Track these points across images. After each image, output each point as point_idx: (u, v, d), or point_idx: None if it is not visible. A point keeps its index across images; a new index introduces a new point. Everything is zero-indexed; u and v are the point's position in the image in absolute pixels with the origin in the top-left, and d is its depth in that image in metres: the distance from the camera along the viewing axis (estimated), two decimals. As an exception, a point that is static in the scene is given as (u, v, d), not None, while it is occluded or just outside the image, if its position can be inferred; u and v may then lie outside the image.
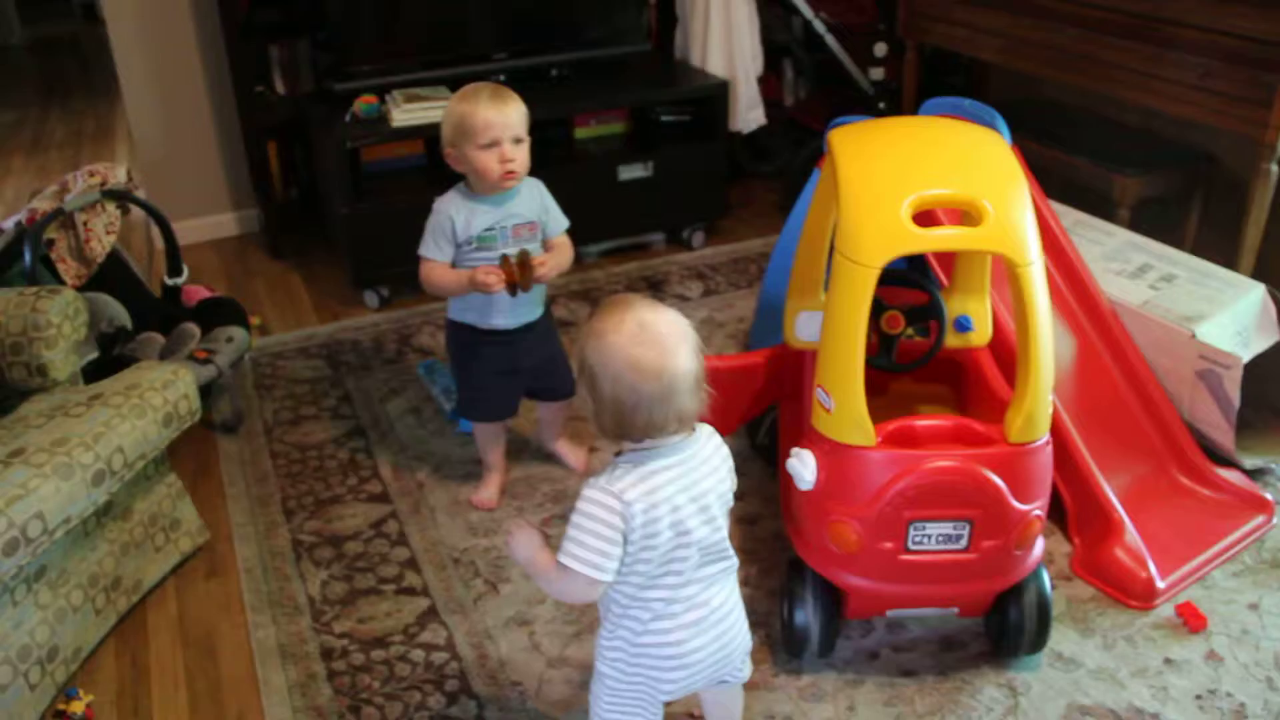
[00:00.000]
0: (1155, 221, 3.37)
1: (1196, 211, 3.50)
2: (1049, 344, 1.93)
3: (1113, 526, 2.43)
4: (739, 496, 2.68)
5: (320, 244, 4.14)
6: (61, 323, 2.32)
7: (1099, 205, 3.28)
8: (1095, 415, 2.65)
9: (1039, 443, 1.99)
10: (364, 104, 3.54)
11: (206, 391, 2.91)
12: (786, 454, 2.51)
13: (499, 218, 2.44)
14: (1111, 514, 2.44)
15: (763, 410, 2.62)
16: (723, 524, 1.68)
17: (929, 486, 1.92)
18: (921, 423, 2.02)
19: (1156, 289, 2.77)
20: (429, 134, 3.61)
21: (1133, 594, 2.36)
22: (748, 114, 4.17)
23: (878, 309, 2.27)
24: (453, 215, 2.42)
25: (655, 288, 3.77)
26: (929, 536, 1.97)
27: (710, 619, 1.68)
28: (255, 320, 3.27)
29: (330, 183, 3.63)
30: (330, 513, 2.68)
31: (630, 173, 3.79)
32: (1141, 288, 2.78)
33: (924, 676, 2.18)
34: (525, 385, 2.64)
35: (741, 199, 4.38)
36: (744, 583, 2.40)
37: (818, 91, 4.63)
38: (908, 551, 1.98)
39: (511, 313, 2.52)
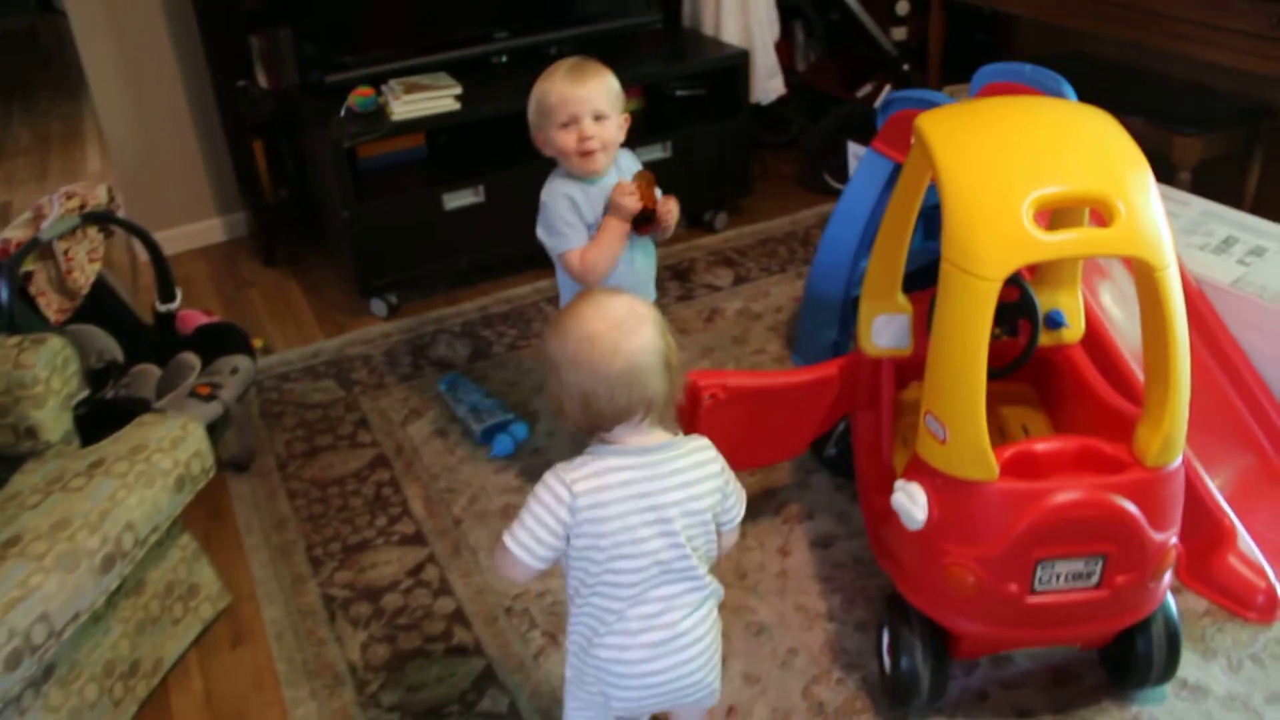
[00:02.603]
0: (1211, 183, 3.14)
1: (1257, 170, 3.27)
2: (1187, 356, 1.70)
3: (1223, 533, 2.22)
4: (808, 515, 2.49)
5: (316, 246, 3.87)
6: (50, 376, 2.06)
7: (1157, 169, 3.03)
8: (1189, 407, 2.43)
9: (1175, 464, 1.76)
10: (359, 97, 3.25)
11: (212, 429, 2.65)
12: (863, 468, 2.30)
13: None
14: (1221, 519, 2.22)
15: (835, 423, 2.39)
16: (686, 544, 1.54)
17: (1061, 523, 1.70)
18: (1042, 446, 1.79)
19: (1246, 264, 2.53)
20: (432, 126, 3.34)
21: (1252, 607, 2.15)
22: (767, 83, 3.90)
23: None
24: (571, 194, 2.19)
25: (681, 277, 3.52)
26: (1058, 576, 1.75)
27: (674, 644, 1.56)
28: (259, 343, 3.01)
29: (327, 184, 3.35)
30: (361, 560, 2.43)
31: (648, 154, 3.51)
32: (1229, 263, 2.55)
33: (1041, 716, 1.97)
34: None
35: (756, 172, 4.11)
36: (828, 617, 2.19)
37: (831, 54, 4.36)
38: (1034, 593, 1.76)
39: (638, 292, 2.27)
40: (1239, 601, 2.16)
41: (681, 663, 1.58)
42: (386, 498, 2.62)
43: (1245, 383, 2.48)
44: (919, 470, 1.80)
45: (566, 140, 2.15)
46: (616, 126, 2.20)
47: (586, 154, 2.16)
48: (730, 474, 1.63)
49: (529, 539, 1.51)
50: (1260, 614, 2.14)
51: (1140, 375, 2.30)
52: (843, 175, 3.87)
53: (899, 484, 1.81)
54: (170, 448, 2.00)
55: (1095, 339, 2.26)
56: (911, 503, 1.78)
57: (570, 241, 2.19)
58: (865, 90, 4.11)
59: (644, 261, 2.30)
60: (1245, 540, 2.20)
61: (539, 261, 3.59)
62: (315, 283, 3.69)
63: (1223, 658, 2.06)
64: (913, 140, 1.93)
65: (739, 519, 1.66)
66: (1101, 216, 1.68)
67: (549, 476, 1.52)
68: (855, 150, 3.43)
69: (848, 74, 4.20)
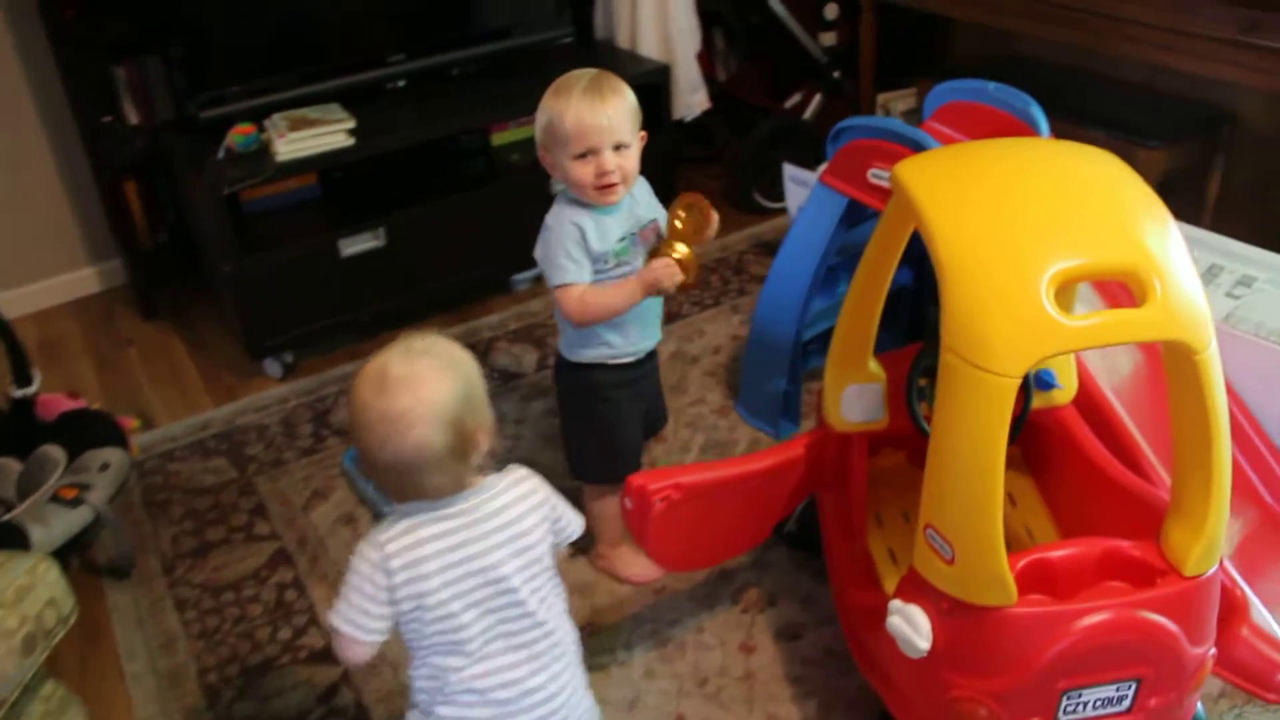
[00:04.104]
0: (1166, 193, 2.92)
1: (1217, 179, 3.07)
2: (1229, 448, 1.45)
3: (1234, 605, 1.97)
4: (770, 602, 2.22)
5: (202, 294, 3.48)
6: None
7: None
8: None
9: (1215, 570, 1.52)
10: (239, 135, 2.89)
11: (82, 534, 2.30)
12: (835, 558, 2.03)
13: (628, 223, 1.99)
14: (1232, 590, 1.98)
15: (798, 504, 2.12)
16: (530, 596, 1.46)
17: (1092, 650, 1.44)
18: (1059, 554, 1.53)
19: (1236, 297, 2.32)
20: (322, 165, 2.99)
21: (1272, 687, 1.90)
22: (690, 98, 3.61)
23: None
24: (580, 223, 1.93)
25: (608, 317, 3.21)
26: (1085, 704, 1.50)
27: (524, 702, 1.46)
28: (134, 424, 2.63)
29: (206, 234, 2.98)
30: (265, 686, 2.10)
31: (565, 183, 3.21)
32: (1218, 296, 2.33)
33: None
34: None
35: (680, 190, 3.81)
36: (804, 730, 1.91)
37: (754, 62, 4.09)
38: (1057, 725, 1.51)
39: (647, 331, 2.11)
40: (1257, 681, 1.92)
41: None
42: (290, 603, 2.29)
43: (1240, 429, 2.26)
44: (918, 590, 1.52)
45: (582, 173, 1.89)
46: (638, 153, 1.95)
47: (606, 189, 1.90)
48: (554, 494, 1.53)
49: (355, 614, 1.41)
50: (1280, 694, 1.92)
51: (1134, 430, 2.09)
52: (775, 194, 3.60)
53: (895, 605, 1.54)
54: (15, 601, 1.63)
55: (1086, 396, 2.02)
56: (912, 630, 1.51)
57: (571, 276, 1.93)
58: (794, 100, 3.85)
59: (651, 300, 2.05)
60: (1259, 610, 1.98)
61: (447, 306, 3.29)
62: (201, 337, 3.32)
63: (1245, 750, 1.84)
64: (891, 188, 1.66)
65: (578, 532, 1.57)
66: (1124, 287, 1.42)
67: (362, 543, 1.43)
68: (793, 174, 3.16)
69: (774, 83, 3.94)
